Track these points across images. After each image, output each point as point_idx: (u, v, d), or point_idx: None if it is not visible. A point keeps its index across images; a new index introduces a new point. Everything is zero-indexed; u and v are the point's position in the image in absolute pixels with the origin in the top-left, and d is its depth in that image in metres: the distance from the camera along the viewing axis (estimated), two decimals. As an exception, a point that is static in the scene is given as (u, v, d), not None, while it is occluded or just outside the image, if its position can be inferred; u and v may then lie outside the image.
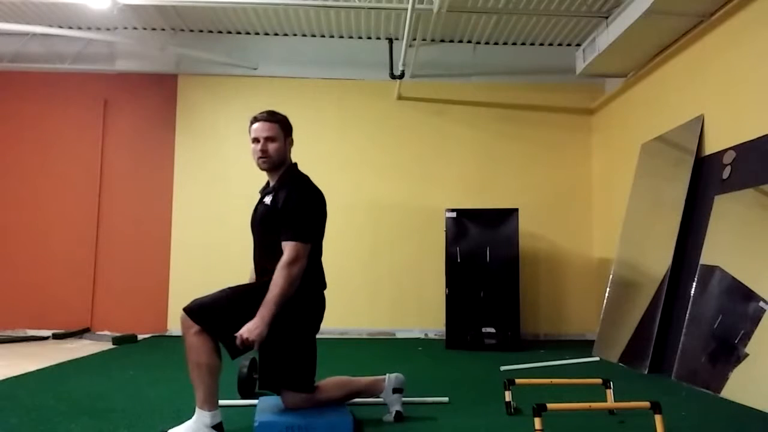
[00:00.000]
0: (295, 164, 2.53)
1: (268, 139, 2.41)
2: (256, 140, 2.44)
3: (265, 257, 2.39)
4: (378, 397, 2.61)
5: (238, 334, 2.14)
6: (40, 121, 6.05)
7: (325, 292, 2.52)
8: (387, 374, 2.62)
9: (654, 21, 4.23)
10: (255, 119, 2.46)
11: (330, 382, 2.51)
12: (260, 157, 2.43)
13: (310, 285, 2.40)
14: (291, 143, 2.52)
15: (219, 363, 2.22)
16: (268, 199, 2.42)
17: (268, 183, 2.54)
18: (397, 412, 2.56)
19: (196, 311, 2.21)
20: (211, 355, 2.19)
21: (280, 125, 2.45)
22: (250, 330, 2.14)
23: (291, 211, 2.33)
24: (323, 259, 2.53)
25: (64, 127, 6.05)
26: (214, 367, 2.20)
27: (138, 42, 5.95)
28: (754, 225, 3.41)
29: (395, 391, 2.58)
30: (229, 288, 2.37)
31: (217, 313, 2.23)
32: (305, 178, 2.49)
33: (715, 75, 4.07)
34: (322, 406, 2.42)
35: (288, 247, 2.27)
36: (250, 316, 2.18)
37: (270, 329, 2.20)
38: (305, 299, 2.39)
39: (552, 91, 6.20)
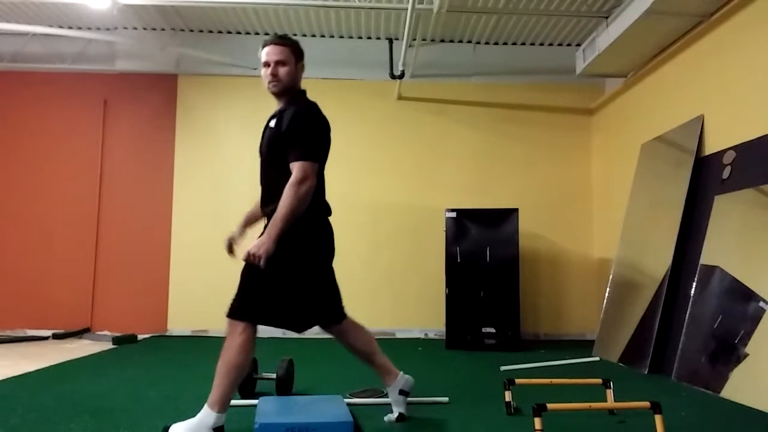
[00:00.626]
0: (304, 91, 2.48)
1: (278, 62, 2.37)
2: (266, 64, 2.38)
3: (272, 182, 2.35)
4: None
5: (246, 251, 2.13)
6: (40, 121, 6.05)
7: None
8: (402, 372, 2.62)
9: (654, 21, 4.23)
10: (266, 42, 2.41)
11: (366, 332, 2.55)
12: (270, 81, 2.38)
13: (313, 210, 2.35)
14: (302, 68, 2.46)
15: (248, 367, 2.23)
16: (273, 123, 2.39)
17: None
18: (399, 413, 2.57)
19: (237, 310, 2.21)
20: (248, 356, 2.19)
21: (291, 49, 2.40)
22: (258, 246, 2.13)
23: (297, 132, 2.29)
24: None
25: (64, 127, 6.05)
26: (243, 369, 2.19)
27: (138, 42, 5.96)
28: (754, 225, 3.41)
29: (402, 392, 2.58)
30: (248, 273, 2.25)
31: (258, 302, 2.22)
32: (312, 103, 2.44)
33: (715, 75, 4.07)
34: (350, 342, 2.49)
35: (296, 167, 2.24)
36: (288, 289, 2.21)
37: (283, 260, 2.19)
38: (310, 225, 2.34)
39: (552, 91, 6.20)
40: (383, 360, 2.57)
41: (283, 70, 2.37)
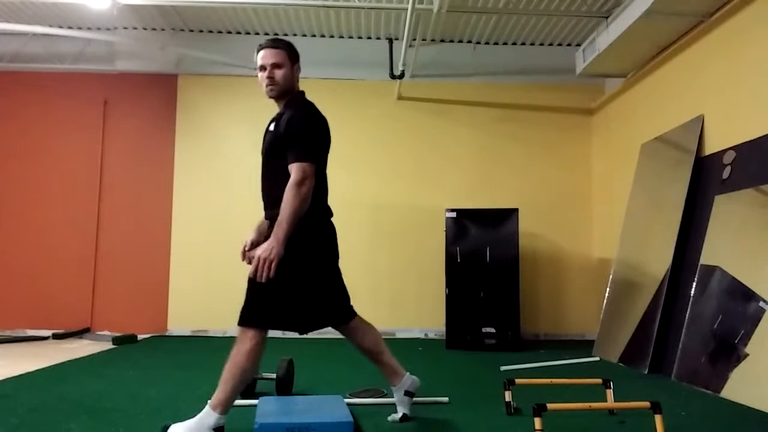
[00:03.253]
0: (302, 92, 2.48)
1: (274, 65, 2.36)
2: (262, 68, 2.38)
3: (274, 185, 2.34)
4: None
5: (254, 256, 2.12)
6: (40, 121, 6.05)
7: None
8: (408, 373, 2.62)
9: (654, 21, 4.23)
10: (260, 46, 2.41)
11: (374, 331, 2.57)
12: (267, 85, 2.38)
13: (315, 211, 2.35)
14: (298, 70, 2.46)
15: (254, 371, 2.24)
16: (272, 126, 2.39)
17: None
18: (403, 414, 2.57)
19: (247, 317, 2.21)
20: (256, 361, 2.20)
21: (286, 51, 2.40)
22: (267, 250, 2.12)
23: (295, 133, 2.28)
24: None
25: (64, 127, 6.05)
26: (249, 373, 2.20)
27: (138, 42, 5.95)
28: (754, 225, 3.41)
29: (407, 393, 2.58)
30: (255, 279, 2.23)
31: (267, 308, 2.22)
32: (310, 104, 2.44)
33: (715, 75, 4.07)
34: (357, 341, 2.51)
35: (295, 168, 2.24)
36: (296, 292, 2.22)
37: (292, 265, 2.19)
38: (313, 226, 2.34)
39: (552, 91, 6.20)
40: (391, 360, 2.57)
41: (279, 73, 2.37)
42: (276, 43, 2.40)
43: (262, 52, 2.39)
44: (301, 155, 2.25)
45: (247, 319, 2.22)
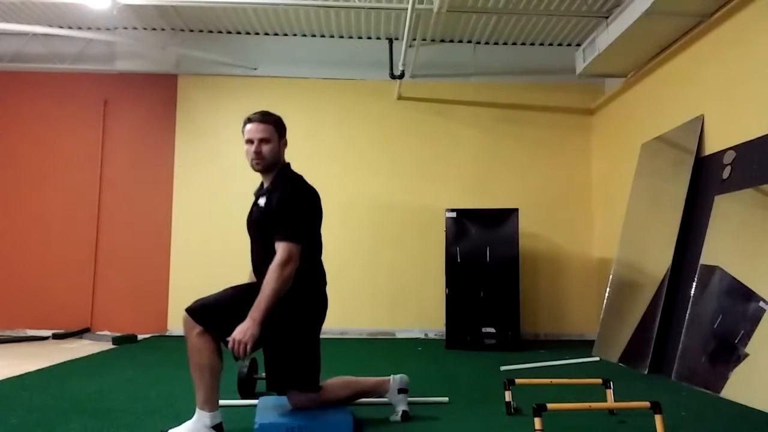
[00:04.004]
0: (288, 164, 2.52)
1: (262, 140, 2.40)
2: (250, 141, 2.42)
3: (261, 259, 2.37)
4: (383, 397, 2.62)
5: (230, 338, 2.11)
6: (40, 121, 6.05)
7: (326, 289, 2.53)
8: (392, 375, 2.63)
9: (654, 21, 4.23)
10: (249, 120, 2.44)
11: (336, 381, 2.51)
12: (254, 159, 2.42)
13: (310, 282, 2.41)
14: (285, 144, 2.51)
15: (220, 364, 2.23)
16: (262, 201, 2.42)
17: (262, 184, 2.53)
18: (403, 411, 2.58)
19: (198, 311, 2.22)
20: (213, 356, 2.20)
21: (274, 126, 2.44)
22: (242, 332, 2.11)
23: (284, 212, 2.32)
24: (324, 257, 2.53)
25: (64, 127, 6.05)
26: (215, 369, 2.20)
27: (138, 42, 5.95)
28: (754, 225, 3.41)
29: (400, 391, 2.60)
30: (232, 288, 2.37)
31: (219, 314, 2.22)
32: (299, 178, 2.48)
33: (715, 75, 4.07)
34: (328, 406, 2.42)
35: (280, 248, 2.26)
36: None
37: (273, 329, 2.20)
38: (306, 297, 2.39)
39: (552, 91, 6.20)
40: (369, 383, 2.59)
41: (266, 148, 2.40)
42: (264, 118, 2.44)
43: (250, 126, 2.43)
44: (288, 235, 2.28)
45: (197, 312, 2.22)
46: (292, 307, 2.30)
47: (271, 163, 2.43)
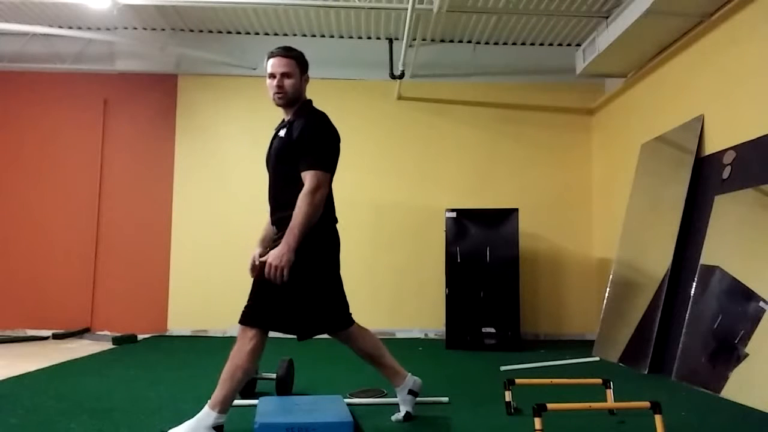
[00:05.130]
0: (311, 100, 2.51)
1: (284, 75, 2.39)
2: (272, 75, 2.41)
3: (282, 191, 2.36)
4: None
5: (265, 260, 2.13)
6: (40, 121, 6.05)
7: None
8: (410, 373, 2.64)
9: (654, 21, 4.23)
10: (271, 54, 2.43)
11: (371, 336, 2.56)
12: (276, 93, 2.41)
13: (327, 221, 2.40)
14: (307, 80, 2.50)
15: (254, 371, 2.26)
16: (282, 132, 2.41)
17: (283, 120, 2.50)
18: (407, 412, 2.58)
19: (250, 317, 2.23)
20: (255, 361, 2.22)
21: (296, 61, 2.43)
22: (278, 257, 2.13)
23: (309, 140, 2.31)
24: None
25: (64, 127, 6.05)
26: (249, 373, 2.21)
27: (138, 42, 5.95)
28: (754, 225, 3.41)
29: (411, 392, 2.60)
30: (261, 280, 2.26)
31: (271, 310, 2.23)
32: (323, 114, 2.47)
33: (715, 75, 4.07)
34: (357, 346, 2.51)
35: (309, 176, 2.26)
36: (301, 298, 2.25)
37: (299, 273, 2.21)
38: (325, 235, 2.39)
39: (552, 91, 6.20)
40: (391, 362, 2.59)
41: (288, 82, 2.40)
42: (287, 52, 2.42)
43: (272, 60, 2.41)
44: (316, 163, 2.28)
45: (249, 318, 2.24)
46: (314, 245, 2.30)
47: (293, 98, 2.42)
